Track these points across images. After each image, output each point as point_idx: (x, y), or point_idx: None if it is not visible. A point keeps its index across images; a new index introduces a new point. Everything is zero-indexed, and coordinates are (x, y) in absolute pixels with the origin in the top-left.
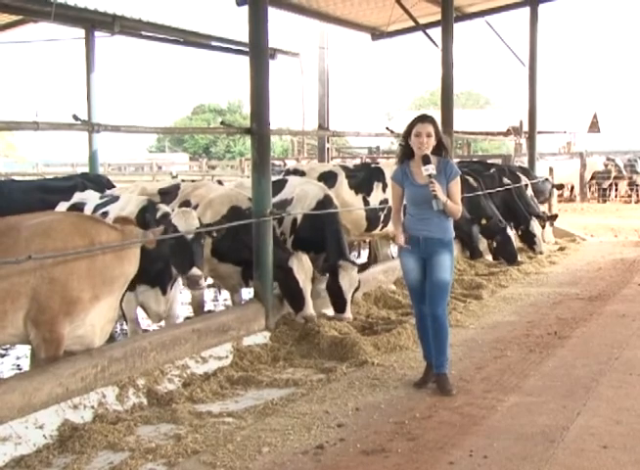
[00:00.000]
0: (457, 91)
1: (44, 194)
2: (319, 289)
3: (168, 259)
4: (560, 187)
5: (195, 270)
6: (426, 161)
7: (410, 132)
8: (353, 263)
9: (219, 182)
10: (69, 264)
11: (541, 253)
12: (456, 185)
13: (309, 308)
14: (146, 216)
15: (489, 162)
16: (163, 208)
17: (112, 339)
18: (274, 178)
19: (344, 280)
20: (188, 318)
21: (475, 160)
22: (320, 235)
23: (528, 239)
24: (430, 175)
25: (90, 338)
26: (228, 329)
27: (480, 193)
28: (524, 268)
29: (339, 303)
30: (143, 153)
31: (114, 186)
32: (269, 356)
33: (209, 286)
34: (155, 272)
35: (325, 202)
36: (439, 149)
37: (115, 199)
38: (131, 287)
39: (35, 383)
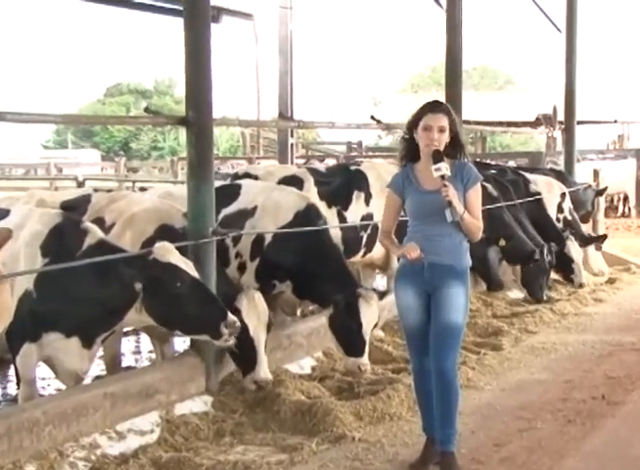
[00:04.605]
0: (468, 67)
1: None
2: (280, 335)
3: (102, 301)
4: (601, 192)
5: (231, 316)
6: (437, 158)
7: (417, 123)
8: (374, 291)
9: (142, 189)
10: None
11: (581, 285)
12: (476, 194)
13: (263, 369)
14: (63, 241)
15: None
16: (93, 228)
17: None
18: (221, 183)
19: (366, 314)
20: (99, 378)
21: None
22: (301, 258)
23: (564, 265)
24: (442, 176)
25: None
26: (154, 393)
27: (500, 204)
28: (559, 308)
29: (355, 344)
30: (37, 149)
31: None
32: (211, 430)
33: (128, 333)
34: (76, 316)
35: (308, 214)
36: (454, 148)
37: (5, 213)
38: (33, 336)
39: None
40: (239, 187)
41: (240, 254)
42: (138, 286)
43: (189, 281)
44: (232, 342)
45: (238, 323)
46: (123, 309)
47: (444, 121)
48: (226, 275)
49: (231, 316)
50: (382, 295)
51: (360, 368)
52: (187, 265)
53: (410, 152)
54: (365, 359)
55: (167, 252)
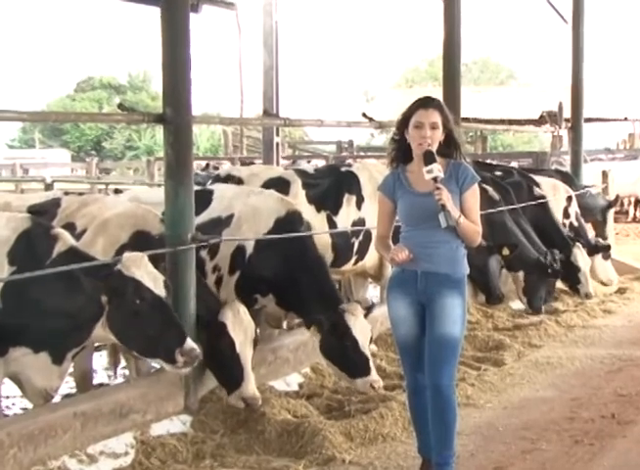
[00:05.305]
0: (467, 60)
1: None
2: (265, 350)
3: (71, 313)
4: (613, 204)
5: (190, 342)
6: (429, 158)
7: (407, 122)
8: (358, 304)
9: (116, 192)
10: None
11: (587, 296)
12: (473, 196)
13: (251, 385)
14: (32, 248)
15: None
16: (64, 234)
17: None
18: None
19: (357, 329)
20: (68, 396)
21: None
22: (285, 269)
23: (570, 275)
24: (435, 179)
25: None
26: (128, 412)
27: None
28: (565, 320)
29: (357, 363)
30: (1, 149)
31: None
32: (190, 452)
33: (99, 348)
34: (45, 329)
35: (290, 220)
36: (449, 146)
37: None
38: None
39: None
40: (210, 193)
41: (218, 267)
42: (104, 298)
43: (150, 299)
44: (186, 371)
45: (197, 352)
46: (91, 323)
47: (437, 117)
48: (208, 287)
49: (190, 344)
50: (367, 310)
51: (373, 386)
52: (154, 281)
53: (401, 153)
54: (375, 375)
55: (134, 263)
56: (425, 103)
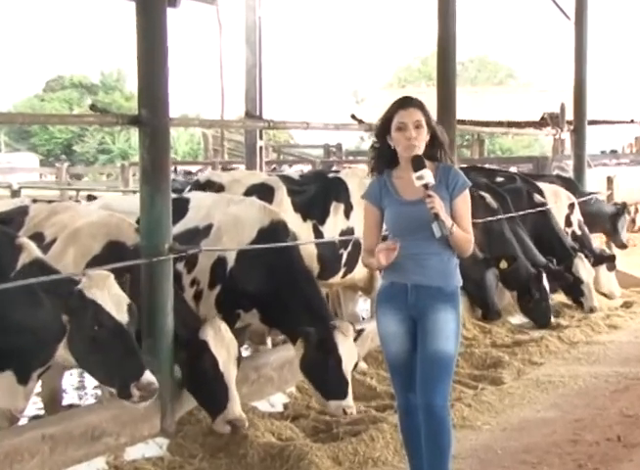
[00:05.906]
0: (464, 58)
1: None
2: (247, 368)
3: (33, 330)
4: (621, 211)
5: (148, 376)
6: (417, 164)
7: (389, 125)
8: (351, 325)
9: (90, 198)
10: None
11: (592, 310)
12: (465, 203)
13: (236, 406)
14: None
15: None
16: (29, 245)
17: None
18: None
19: (344, 350)
20: (36, 418)
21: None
22: (270, 283)
23: (572, 287)
24: (425, 185)
25: None
26: (101, 435)
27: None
28: (568, 335)
29: (336, 384)
30: None
31: None
32: None
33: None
34: (8, 346)
35: (275, 230)
36: (433, 148)
37: None
38: None
39: None
40: (186, 201)
41: (197, 281)
42: (65, 318)
43: (110, 326)
44: (144, 405)
45: (155, 386)
46: (55, 342)
47: (419, 116)
48: (186, 303)
49: (147, 377)
50: (358, 333)
51: (345, 411)
52: (117, 305)
53: (384, 160)
54: (350, 401)
55: (97, 284)
56: (404, 103)
